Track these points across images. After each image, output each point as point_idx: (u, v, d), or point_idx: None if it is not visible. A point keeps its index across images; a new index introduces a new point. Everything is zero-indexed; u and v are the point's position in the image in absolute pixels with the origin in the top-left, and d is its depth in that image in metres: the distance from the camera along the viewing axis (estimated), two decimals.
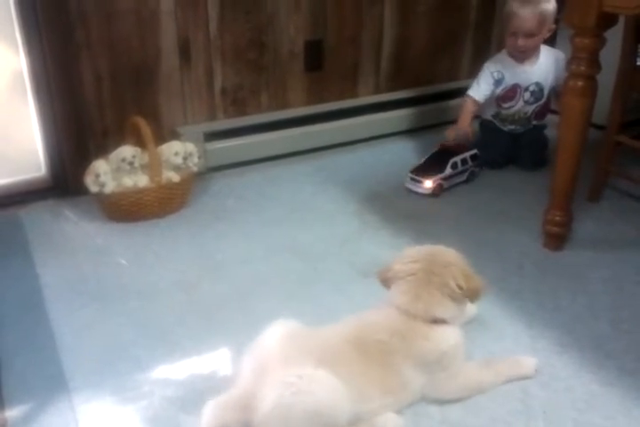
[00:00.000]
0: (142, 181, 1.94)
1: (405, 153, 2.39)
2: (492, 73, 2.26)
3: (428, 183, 2.08)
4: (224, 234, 1.90)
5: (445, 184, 2.11)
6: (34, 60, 1.97)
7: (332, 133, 2.39)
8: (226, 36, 2.20)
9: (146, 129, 1.91)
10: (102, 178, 1.89)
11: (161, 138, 2.03)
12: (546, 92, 2.28)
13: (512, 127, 2.34)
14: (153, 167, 1.93)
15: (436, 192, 2.08)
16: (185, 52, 2.16)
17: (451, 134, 2.23)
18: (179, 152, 1.99)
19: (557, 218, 1.76)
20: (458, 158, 2.14)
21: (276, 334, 1.26)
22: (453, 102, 2.49)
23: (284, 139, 2.32)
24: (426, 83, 2.59)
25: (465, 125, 2.27)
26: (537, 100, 2.29)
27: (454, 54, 2.64)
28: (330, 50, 2.38)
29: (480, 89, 2.27)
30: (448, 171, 2.11)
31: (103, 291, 1.63)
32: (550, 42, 2.41)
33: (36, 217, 1.97)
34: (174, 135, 2.15)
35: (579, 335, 1.48)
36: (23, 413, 1.28)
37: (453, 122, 2.40)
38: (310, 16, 2.30)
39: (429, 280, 1.29)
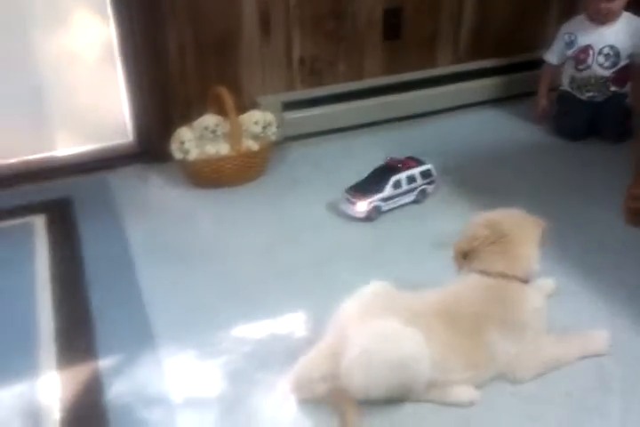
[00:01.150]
0: (224, 149, 2.00)
1: (484, 124, 2.36)
2: (563, 35, 2.26)
3: (361, 206, 1.81)
4: (300, 201, 1.94)
5: (385, 206, 1.85)
6: (123, 30, 2.04)
7: (410, 104, 2.37)
8: (305, 5, 2.21)
9: (228, 99, 1.96)
10: (186, 145, 1.96)
11: (241, 107, 2.08)
12: (623, 56, 2.20)
13: (590, 95, 2.26)
14: (234, 136, 1.98)
15: (371, 216, 1.82)
16: (265, 22, 2.18)
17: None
18: (258, 121, 2.04)
19: None
20: (402, 176, 1.87)
21: (370, 293, 1.31)
22: (537, 72, 2.41)
23: (361, 109, 2.32)
24: (508, 52, 2.52)
25: (541, 99, 2.32)
26: (613, 64, 2.21)
27: (538, 22, 2.55)
28: (408, 18, 2.35)
29: (552, 51, 2.30)
30: (388, 191, 1.84)
31: (187, 252, 1.71)
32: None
33: (123, 181, 2.07)
34: (253, 105, 2.19)
35: None
36: (114, 363, 1.37)
37: (536, 93, 2.35)
38: None
39: (516, 240, 1.31)
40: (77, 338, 1.44)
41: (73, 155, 2.15)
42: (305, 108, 2.27)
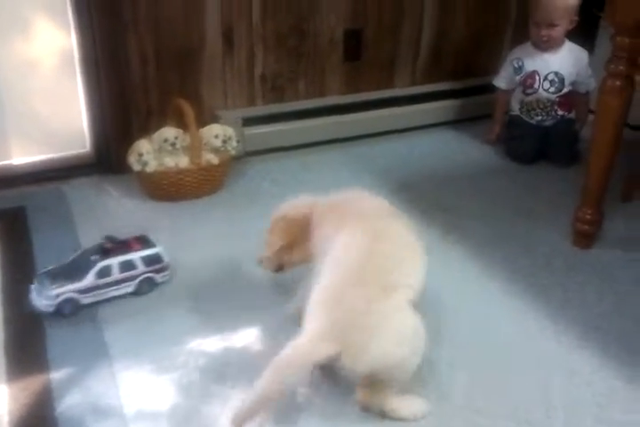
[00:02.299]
0: (183, 161, 2.00)
1: (440, 145, 2.42)
2: (511, 61, 2.36)
3: (49, 297, 1.48)
4: (259, 216, 1.93)
5: (85, 299, 1.52)
6: (83, 39, 2.03)
7: (368, 123, 2.43)
8: (268, 23, 2.24)
9: (189, 111, 1.96)
10: (145, 157, 1.96)
11: (201, 121, 2.08)
12: (567, 82, 2.30)
13: (539, 118, 2.35)
14: (194, 149, 1.99)
15: (64, 311, 1.50)
16: (228, 37, 2.20)
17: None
18: (219, 135, 2.05)
19: (588, 216, 1.78)
20: (114, 261, 1.55)
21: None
22: (491, 96, 2.50)
23: (321, 126, 2.36)
24: (463, 76, 2.61)
25: (495, 125, 2.44)
26: (558, 90, 2.31)
27: (493, 48, 2.66)
28: (369, 40, 2.41)
29: (501, 77, 2.40)
30: (89, 280, 1.51)
31: None
32: (590, 41, 2.43)
33: (79, 192, 2.05)
34: (214, 119, 2.21)
35: (604, 332, 1.51)
36: (66, 376, 1.35)
37: (490, 116, 2.44)
38: (351, 5, 2.33)
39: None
40: (28, 349, 1.42)
41: (29, 164, 2.11)
42: (265, 123, 2.29)
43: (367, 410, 1.26)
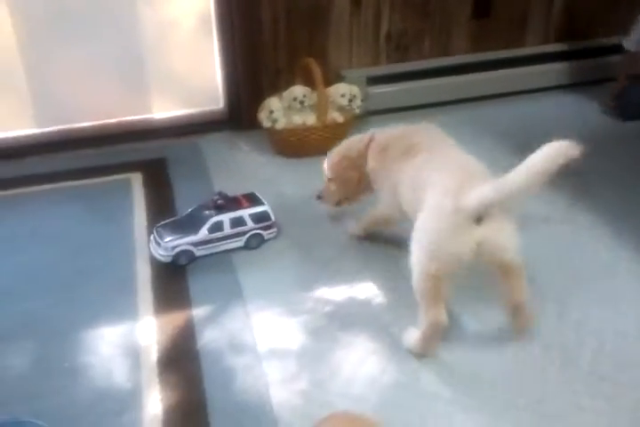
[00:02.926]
0: (310, 119, 2.07)
1: (567, 108, 2.35)
2: None
3: (167, 249, 1.60)
4: None
5: (199, 252, 1.63)
6: (220, 1, 2.12)
7: (494, 83, 2.39)
8: None
9: (317, 71, 2.02)
10: (275, 114, 2.05)
11: (327, 79, 2.13)
12: None
13: None
14: (321, 107, 2.06)
15: (180, 261, 1.61)
16: None
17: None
18: (345, 94, 2.10)
19: None
20: (225, 217, 1.64)
21: None
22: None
23: (445, 86, 2.35)
24: (598, 35, 2.49)
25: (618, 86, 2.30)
26: None
27: (630, 6, 2.50)
28: None
29: (631, 38, 2.25)
30: (203, 234, 1.62)
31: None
32: None
33: (213, 145, 2.19)
34: (339, 78, 2.26)
35: None
36: (206, 313, 1.49)
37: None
38: None
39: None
40: (172, 286, 1.57)
41: (168, 118, 2.27)
42: (389, 82, 2.32)
43: None
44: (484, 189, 1.22)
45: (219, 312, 1.49)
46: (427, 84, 2.34)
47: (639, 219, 1.73)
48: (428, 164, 1.40)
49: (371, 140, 1.60)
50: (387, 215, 1.60)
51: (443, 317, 1.29)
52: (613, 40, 2.45)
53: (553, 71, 2.43)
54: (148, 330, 1.44)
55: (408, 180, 1.43)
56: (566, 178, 1.91)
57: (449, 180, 1.30)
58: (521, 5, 2.39)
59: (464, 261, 1.24)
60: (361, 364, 1.34)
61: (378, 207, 1.62)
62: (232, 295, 1.53)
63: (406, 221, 1.43)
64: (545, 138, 2.14)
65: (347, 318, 1.45)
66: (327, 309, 1.48)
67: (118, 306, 1.51)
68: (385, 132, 1.60)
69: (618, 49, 2.37)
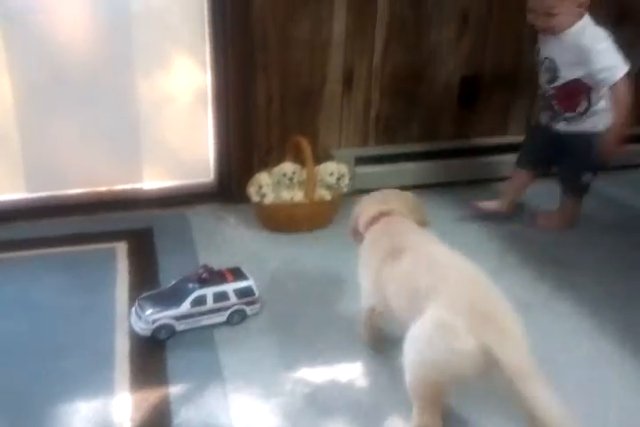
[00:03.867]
0: (298, 196, 2.12)
1: (551, 197, 2.39)
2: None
3: (147, 322, 1.57)
4: None
5: (180, 326, 1.60)
6: (218, 79, 2.21)
7: (478, 168, 2.47)
8: (387, 67, 2.35)
9: (307, 149, 2.08)
10: (264, 189, 2.10)
11: (316, 158, 2.19)
12: (560, 74, 1.94)
13: (545, 118, 2.07)
14: (309, 184, 2.10)
15: (160, 336, 1.58)
16: (348, 79, 2.32)
17: None
18: (333, 173, 2.16)
19: None
20: (208, 291, 1.62)
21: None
22: None
23: (431, 169, 2.43)
24: None
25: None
26: (551, 79, 1.97)
27: None
28: (484, 87, 2.46)
29: None
30: (185, 308, 1.60)
31: None
32: None
33: (201, 218, 2.21)
34: (328, 157, 2.32)
35: None
36: (184, 391, 1.46)
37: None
38: (470, 53, 2.39)
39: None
40: (151, 362, 1.54)
41: (158, 189, 2.30)
42: (376, 163, 2.39)
43: None
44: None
45: (196, 391, 1.46)
46: (413, 167, 2.42)
47: (621, 312, 1.75)
48: (421, 269, 1.32)
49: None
50: (369, 311, 1.54)
51: (437, 424, 1.24)
52: None
53: None
54: (123, 406, 1.41)
55: (399, 287, 1.35)
56: (549, 266, 1.97)
57: (455, 297, 1.21)
58: (505, 96, 2.50)
59: (463, 375, 1.16)
60: None
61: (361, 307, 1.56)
62: (211, 374, 1.51)
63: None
64: (529, 226, 2.18)
65: (327, 402, 1.43)
66: (307, 391, 1.46)
67: (95, 380, 1.48)
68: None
69: None
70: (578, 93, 1.95)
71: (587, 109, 1.96)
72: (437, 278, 1.27)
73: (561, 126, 2.03)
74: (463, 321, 1.15)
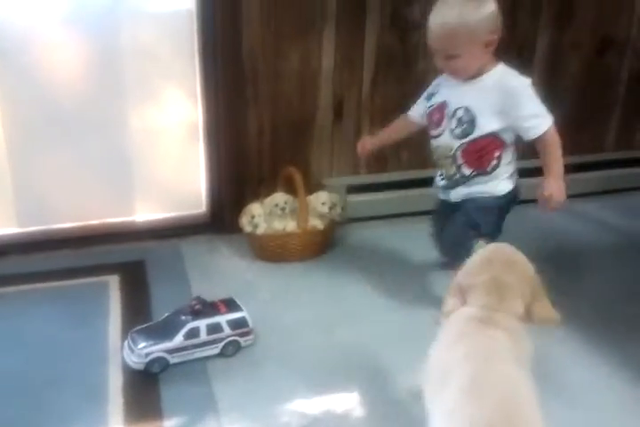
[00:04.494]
0: (290, 225, 2.12)
1: (540, 222, 2.40)
2: (430, 86, 1.86)
3: (140, 356, 1.55)
4: (358, 282, 2.02)
5: (173, 359, 1.58)
6: (208, 111, 2.23)
7: None
8: (376, 97, 2.38)
9: (299, 179, 2.10)
10: (256, 219, 2.10)
11: (308, 188, 2.20)
12: (478, 125, 1.68)
13: (442, 182, 1.82)
14: (301, 214, 2.11)
15: (153, 369, 1.56)
16: (338, 109, 2.35)
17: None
18: (325, 202, 2.17)
19: None
20: (202, 323, 1.60)
21: None
22: (596, 174, 2.50)
23: (423, 196, 2.42)
24: (568, 153, 2.62)
25: (371, 141, 2.00)
26: (464, 133, 1.70)
27: (600, 127, 2.68)
28: None
29: (415, 105, 1.92)
30: (178, 340, 1.58)
31: None
32: None
33: (194, 249, 2.20)
34: (320, 186, 2.34)
35: None
36: (177, 424, 1.43)
37: (591, 194, 2.43)
38: None
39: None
40: (144, 396, 1.52)
41: (150, 221, 2.30)
42: (368, 191, 2.40)
43: None
44: None
45: (191, 424, 1.43)
46: (405, 194, 2.43)
47: (618, 335, 1.75)
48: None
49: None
50: None
51: None
52: (580, 159, 2.58)
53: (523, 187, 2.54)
54: None
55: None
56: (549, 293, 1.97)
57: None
58: None
59: None
60: None
61: None
62: (205, 406, 1.48)
63: None
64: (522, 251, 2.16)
65: None
66: (304, 422, 1.44)
67: (88, 415, 1.45)
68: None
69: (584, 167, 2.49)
70: (490, 150, 1.71)
71: (494, 168, 1.73)
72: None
73: (459, 192, 1.80)
74: None
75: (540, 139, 1.67)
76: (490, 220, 1.76)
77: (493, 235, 1.73)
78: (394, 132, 1.98)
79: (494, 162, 1.73)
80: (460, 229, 1.78)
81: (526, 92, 1.66)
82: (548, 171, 1.67)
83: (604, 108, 2.66)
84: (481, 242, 1.55)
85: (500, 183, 1.76)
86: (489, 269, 1.27)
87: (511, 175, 1.78)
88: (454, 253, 1.70)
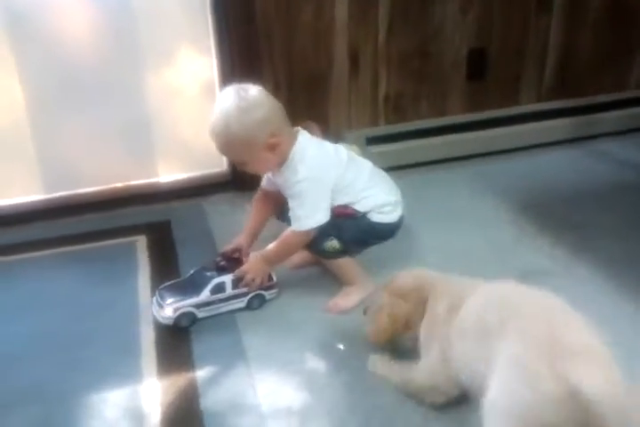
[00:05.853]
0: None
1: (563, 163, 2.40)
2: None
3: (168, 311, 1.59)
4: None
5: (201, 313, 1.62)
6: (224, 69, 2.22)
7: (490, 141, 2.45)
8: (393, 45, 2.33)
9: (317, 133, 2.08)
10: None
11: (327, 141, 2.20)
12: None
13: None
14: None
15: (182, 324, 1.60)
16: (354, 61, 2.31)
17: None
18: None
19: None
20: (227, 278, 1.64)
21: None
22: (619, 113, 2.44)
23: (443, 145, 2.41)
24: (591, 93, 2.57)
25: (246, 240, 1.86)
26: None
27: (622, 65, 2.60)
28: (493, 58, 2.44)
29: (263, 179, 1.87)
30: (205, 295, 1.61)
31: None
32: None
33: (217, 207, 2.23)
34: (339, 139, 2.31)
35: None
36: (210, 374, 1.48)
37: (615, 133, 2.38)
38: (476, 25, 2.37)
39: None
40: (176, 348, 1.57)
41: (173, 181, 2.32)
42: (388, 142, 2.38)
43: None
44: None
45: (222, 373, 1.48)
46: (425, 143, 2.41)
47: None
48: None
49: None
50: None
51: None
52: (603, 98, 2.53)
53: (547, 128, 2.50)
54: (151, 392, 1.44)
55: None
56: (566, 231, 1.95)
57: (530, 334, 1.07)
58: (514, 67, 2.48)
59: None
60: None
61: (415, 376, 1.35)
62: (235, 356, 1.53)
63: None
64: (545, 194, 2.17)
65: (351, 374, 1.44)
66: (330, 366, 1.48)
67: (122, 369, 1.50)
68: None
69: (607, 106, 2.43)
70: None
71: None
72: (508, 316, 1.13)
73: None
74: (544, 361, 1.01)
75: (294, 232, 1.64)
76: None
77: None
78: (258, 213, 1.87)
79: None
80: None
81: (300, 188, 1.60)
82: (263, 250, 1.69)
83: (626, 45, 2.58)
84: None
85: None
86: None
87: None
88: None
